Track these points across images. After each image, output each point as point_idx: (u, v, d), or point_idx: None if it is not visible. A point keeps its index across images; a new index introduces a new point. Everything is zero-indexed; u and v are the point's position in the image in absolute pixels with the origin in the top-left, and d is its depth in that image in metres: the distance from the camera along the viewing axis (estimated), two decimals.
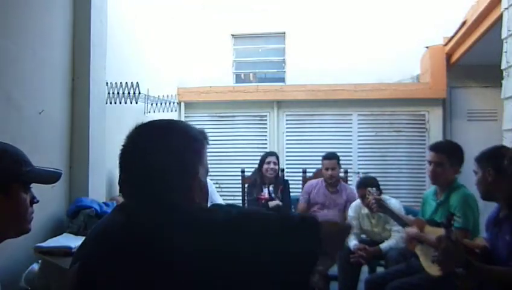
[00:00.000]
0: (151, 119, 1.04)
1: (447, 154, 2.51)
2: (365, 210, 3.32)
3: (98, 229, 0.97)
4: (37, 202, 1.15)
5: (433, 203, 2.59)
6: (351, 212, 3.46)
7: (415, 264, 2.53)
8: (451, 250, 1.76)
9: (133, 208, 0.94)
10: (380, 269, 3.38)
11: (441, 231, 2.42)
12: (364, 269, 3.36)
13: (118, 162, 0.99)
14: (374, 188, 3.06)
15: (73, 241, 2.38)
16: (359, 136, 4.99)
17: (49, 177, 1.20)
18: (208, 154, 1.02)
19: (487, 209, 2.18)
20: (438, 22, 4.76)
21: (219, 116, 5.21)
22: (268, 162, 3.90)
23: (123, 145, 0.98)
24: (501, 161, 1.90)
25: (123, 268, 0.84)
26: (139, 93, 3.46)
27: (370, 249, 3.16)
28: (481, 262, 1.78)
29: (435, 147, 2.58)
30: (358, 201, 3.46)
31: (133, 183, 0.95)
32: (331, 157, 3.75)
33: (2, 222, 1.07)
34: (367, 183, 3.24)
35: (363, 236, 3.51)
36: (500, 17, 2.79)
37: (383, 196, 3.29)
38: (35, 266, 2.42)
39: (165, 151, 0.93)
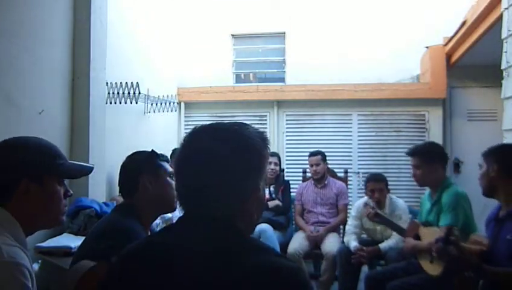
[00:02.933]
0: (214, 123, 0.95)
1: (421, 156, 2.59)
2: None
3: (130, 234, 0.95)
4: (71, 195, 1.20)
5: (428, 203, 2.64)
6: (353, 212, 3.48)
7: (416, 263, 2.55)
8: (453, 260, 1.77)
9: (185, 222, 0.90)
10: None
11: (434, 231, 2.45)
12: (364, 269, 3.37)
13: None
14: (371, 201, 3.17)
15: (73, 241, 2.38)
16: (359, 136, 4.99)
17: (81, 171, 1.26)
18: None
19: (487, 209, 2.18)
20: (438, 22, 4.76)
21: (219, 116, 5.20)
22: (269, 163, 3.89)
23: (181, 150, 0.91)
24: (507, 158, 1.90)
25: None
26: (139, 93, 3.46)
27: (369, 249, 3.18)
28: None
29: (409, 152, 2.69)
30: (361, 200, 3.49)
31: (189, 193, 0.90)
32: (315, 153, 3.90)
33: (36, 212, 1.11)
34: (376, 178, 3.33)
35: (364, 236, 3.52)
36: (500, 17, 2.78)
37: (391, 196, 3.35)
38: (35, 266, 2.42)
39: (226, 164, 0.86)
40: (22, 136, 1.17)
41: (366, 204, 3.18)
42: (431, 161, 2.56)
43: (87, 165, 1.28)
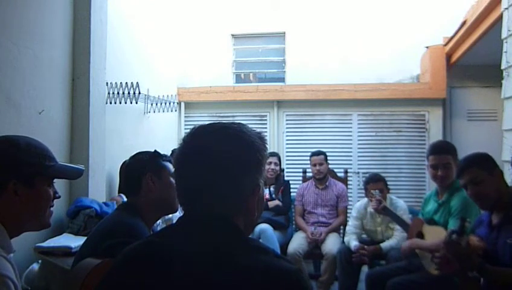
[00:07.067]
0: (209, 123, 0.94)
1: (452, 154, 2.51)
2: (371, 209, 3.34)
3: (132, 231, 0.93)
4: (59, 197, 1.18)
5: (434, 203, 2.60)
6: (354, 212, 3.48)
7: (416, 262, 2.55)
8: (463, 255, 1.76)
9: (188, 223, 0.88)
10: None
11: (438, 230, 2.44)
12: (365, 269, 3.37)
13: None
14: (377, 191, 3.10)
15: (73, 241, 2.39)
16: (359, 136, 4.99)
17: (71, 173, 1.24)
18: None
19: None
20: (438, 22, 4.76)
21: (219, 116, 5.20)
22: (269, 163, 3.90)
23: (181, 149, 0.91)
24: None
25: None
26: (139, 93, 3.46)
27: (370, 248, 3.18)
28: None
29: (440, 150, 2.54)
30: (362, 202, 3.48)
31: (190, 193, 0.89)
32: (318, 153, 3.91)
33: (24, 214, 1.08)
34: (375, 179, 3.30)
35: (364, 236, 3.52)
36: (500, 17, 2.78)
37: (391, 196, 3.33)
38: (35, 266, 2.42)
39: (226, 163, 0.86)
40: (11, 134, 1.12)
41: (372, 195, 3.07)
42: (457, 159, 2.48)
43: (78, 167, 1.26)
